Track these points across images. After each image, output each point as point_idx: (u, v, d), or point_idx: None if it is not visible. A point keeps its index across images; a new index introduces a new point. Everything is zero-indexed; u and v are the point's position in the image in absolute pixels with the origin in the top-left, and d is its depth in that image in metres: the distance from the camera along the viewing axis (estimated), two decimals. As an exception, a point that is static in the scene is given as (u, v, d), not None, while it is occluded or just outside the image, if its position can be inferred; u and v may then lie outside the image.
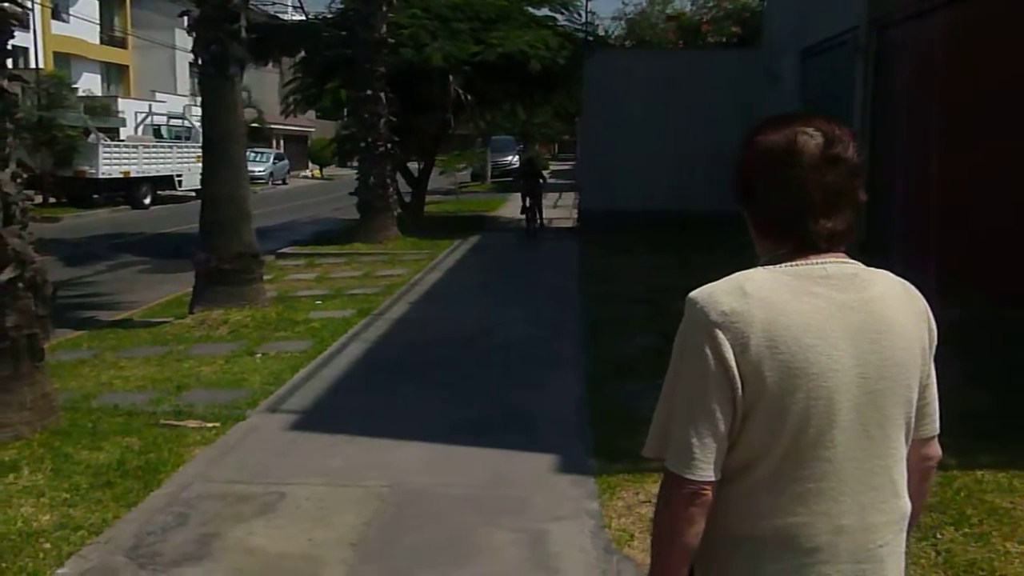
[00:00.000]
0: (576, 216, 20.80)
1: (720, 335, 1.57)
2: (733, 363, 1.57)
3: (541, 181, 19.23)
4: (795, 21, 16.02)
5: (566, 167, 53.13)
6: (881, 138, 11.91)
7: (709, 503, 1.61)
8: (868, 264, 1.69)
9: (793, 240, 1.64)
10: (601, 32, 25.40)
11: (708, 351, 1.58)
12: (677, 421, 1.62)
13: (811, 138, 1.61)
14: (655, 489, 4.93)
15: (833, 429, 1.59)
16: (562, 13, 20.79)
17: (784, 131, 1.63)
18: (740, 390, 1.57)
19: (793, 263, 1.63)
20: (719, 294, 1.62)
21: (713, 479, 1.59)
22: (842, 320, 1.59)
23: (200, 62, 10.19)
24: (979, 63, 9.04)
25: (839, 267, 1.63)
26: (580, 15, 21.08)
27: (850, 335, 1.59)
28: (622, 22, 35.07)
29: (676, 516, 1.61)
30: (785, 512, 1.61)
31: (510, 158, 43.73)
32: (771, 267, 1.65)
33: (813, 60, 15.21)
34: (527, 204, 18.41)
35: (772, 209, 1.66)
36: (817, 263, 1.62)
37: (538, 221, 18.66)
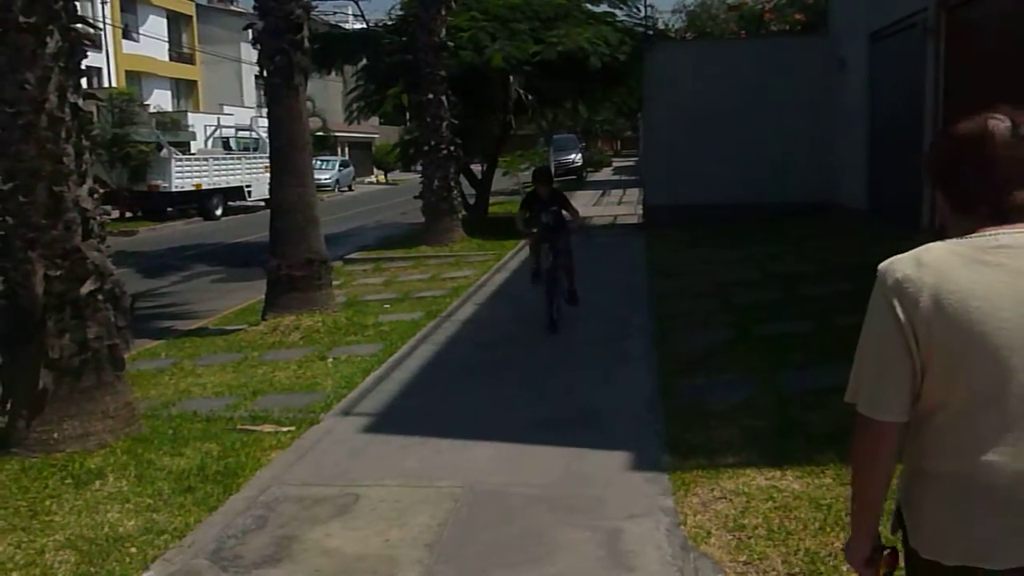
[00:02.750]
0: (641, 212, 20.65)
1: (895, 299, 1.81)
2: (907, 323, 1.80)
3: (564, 216, 9.37)
4: (861, 5, 15.65)
5: (629, 163, 52.88)
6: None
7: (893, 442, 1.88)
8: None
9: (985, 212, 1.84)
10: (661, 26, 25.22)
11: (887, 312, 1.82)
12: (865, 372, 1.88)
13: (1000, 122, 1.83)
14: (730, 485, 4.91)
15: (1009, 383, 1.76)
16: (621, 8, 20.63)
17: (975, 120, 1.87)
18: (915, 347, 1.80)
19: (972, 236, 1.83)
20: (898, 263, 1.85)
21: (896, 420, 1.85)
22: (1011, 285, 1.76)
23: (265, 73, 10.37)
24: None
25: (1014, 238, 1.80)
26: (639, 9, 20.89)
27: (1020, 299, 1.75)
28: (682, 14, 34.74)
29: (864, 451, 1.91)
30: (966, 454, 1.81)
31: (572, 156, 43.61)
32: (949, 241, 1.85)
33: (881, 44, 14.84)
34: (543, 262, 9.27)
35: (969, 186, 1.87)
36: (991, 235, 1.81)
37: (564, 294, 9.44)
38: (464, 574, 4.07)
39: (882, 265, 1.87)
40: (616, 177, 44.36)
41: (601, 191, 33.69)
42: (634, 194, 28.54)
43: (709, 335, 8.37)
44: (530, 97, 19.16)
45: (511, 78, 18.35)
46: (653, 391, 6.78)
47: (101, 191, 6.49)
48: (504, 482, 5.08)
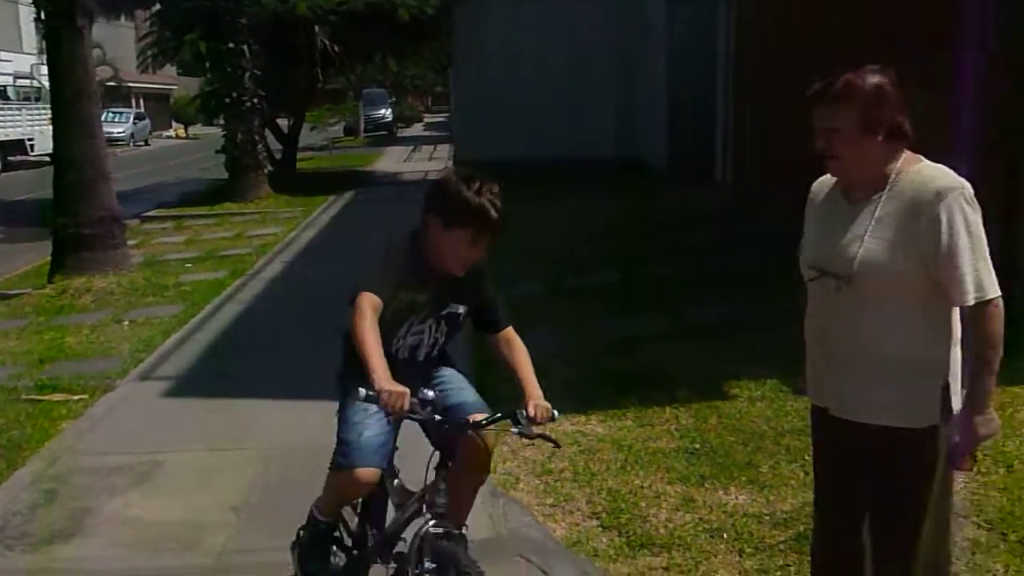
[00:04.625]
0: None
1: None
2: None
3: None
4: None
5: (441, 119, 52.80)
6: (746, 85, 12.21)
7: None
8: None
9: None
10: (470, -20, 25.10)
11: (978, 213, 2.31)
12: (987, 262, 2.28)
13: None
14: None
15: None
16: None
17: None
18: None
19: None
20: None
21: None
22: None
23: (43, 15, 9.61)
24: (840, 9, 9.23)
25: None
26: (448, -37, 20.74)
27: None
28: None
29: (1001, 324, 2.28)
30: None
31: (383, 111, 43.12)
32: None
33: (680, 7, 15.44)
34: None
35: None
36: None
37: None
38: (274, 534, 3.98)
39: (959, 179, 2.31)
40: (428, 133, 44.16)
41: (412, 147, 33.49)
42: (445, 150, 28.54)
43: (522, 288, 8.51)
44: (337, 49, 18.70)
45: (316, 28, 17.83)
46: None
47: None
48: (317, 442, 4.98)
